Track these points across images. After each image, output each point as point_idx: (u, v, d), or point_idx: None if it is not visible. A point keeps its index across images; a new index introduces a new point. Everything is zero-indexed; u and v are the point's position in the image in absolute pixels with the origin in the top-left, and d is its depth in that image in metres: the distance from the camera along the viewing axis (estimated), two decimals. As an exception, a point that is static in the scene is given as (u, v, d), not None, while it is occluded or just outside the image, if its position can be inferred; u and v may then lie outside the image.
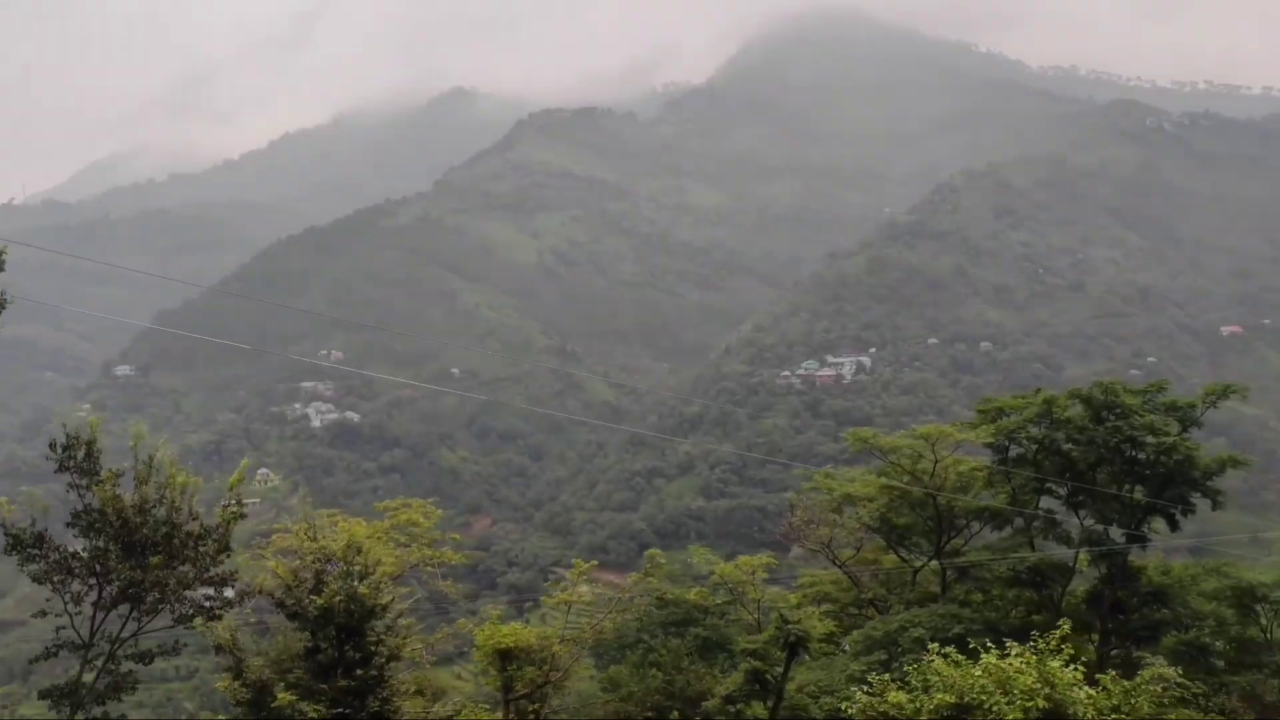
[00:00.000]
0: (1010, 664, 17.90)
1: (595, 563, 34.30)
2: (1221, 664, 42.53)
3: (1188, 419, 39.26)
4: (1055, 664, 17.99)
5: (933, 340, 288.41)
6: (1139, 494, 38.55)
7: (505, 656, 31.96)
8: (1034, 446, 40.51)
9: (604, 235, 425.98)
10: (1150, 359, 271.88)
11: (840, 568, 42.93)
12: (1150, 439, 37.56)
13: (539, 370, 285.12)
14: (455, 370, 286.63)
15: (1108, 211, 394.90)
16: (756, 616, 36.55)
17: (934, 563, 42.59)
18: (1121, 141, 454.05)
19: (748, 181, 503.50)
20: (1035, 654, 18.28)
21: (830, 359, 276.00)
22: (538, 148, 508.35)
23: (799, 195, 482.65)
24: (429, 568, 33.42)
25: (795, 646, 32.31)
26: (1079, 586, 42.09)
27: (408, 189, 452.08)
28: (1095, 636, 39.94)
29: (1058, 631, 18.63)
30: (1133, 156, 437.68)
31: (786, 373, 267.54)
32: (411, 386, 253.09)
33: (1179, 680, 36.21)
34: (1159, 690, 19.67)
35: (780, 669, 32.22)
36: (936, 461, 40.41)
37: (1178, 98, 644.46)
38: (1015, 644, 18.60)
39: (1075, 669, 17.99)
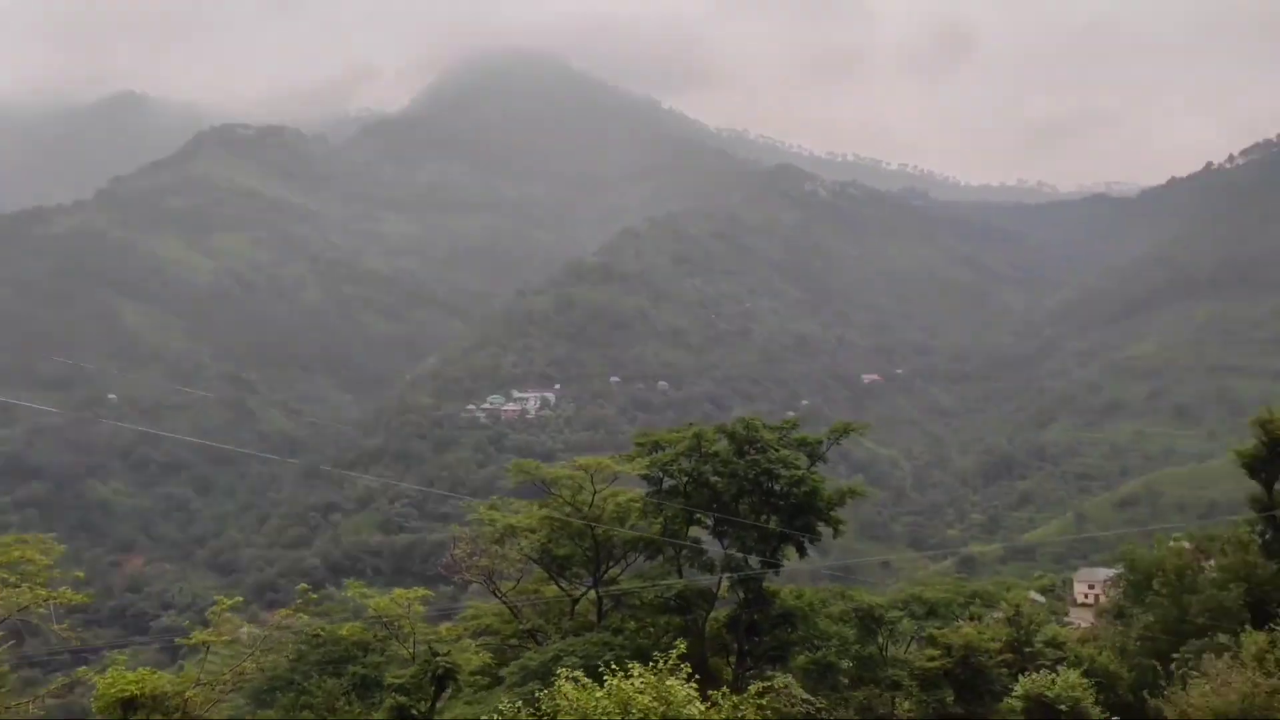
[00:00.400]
0: (631, 685, 18.83)
1: (240, 599, 32.25)
2: (845, 681, 47.05)
3: (815, 454, 43.47)
4: (673, 683, 19.13)
5: (615, 378, 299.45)
6: (774, 523, 42.04)
7: (129, 706, 29.18)
8: (685, 479, 43.05)
9: (288, 259, 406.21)
10: (805, 402, 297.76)
11: (501, 599, 43.29)
12: (784, 472, 41.23)
13: (209, 398, 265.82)
14: (112, 395, 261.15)
15: (771, 265, 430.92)
16: (412, 651, 35.99)
17: (592, 592, 43.97)
18: (784, 203, 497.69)
19: (440, 213, 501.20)
20: (656, 674, 19.34)
21: (516, 394, 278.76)
22: (218, 163, 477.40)
23: (490, 231, 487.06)
24: (42, 609, 29.98)
25: (444, 680, 32.08)
26: (723, 612, 45.04)
27: (65, 196, 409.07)
28: (733, 658, 42.88)
29: (674, 652, 19.80)
30: (793, 217, 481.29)
31: (472, 406, 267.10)
32: (58, 413, 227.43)
33: (805, 698, 39.66)
34: (765, 703, 21.39)
35: (428, 704, 31.87)
36: (596, 492, 41.90)
37: (830, 167, 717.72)
38: (638, 665, 19.57)
39: (690, 686, 19.22)
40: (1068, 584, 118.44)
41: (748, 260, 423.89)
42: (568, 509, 42.17)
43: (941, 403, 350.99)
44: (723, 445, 42.98)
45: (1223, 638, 36.90)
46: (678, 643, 20.47)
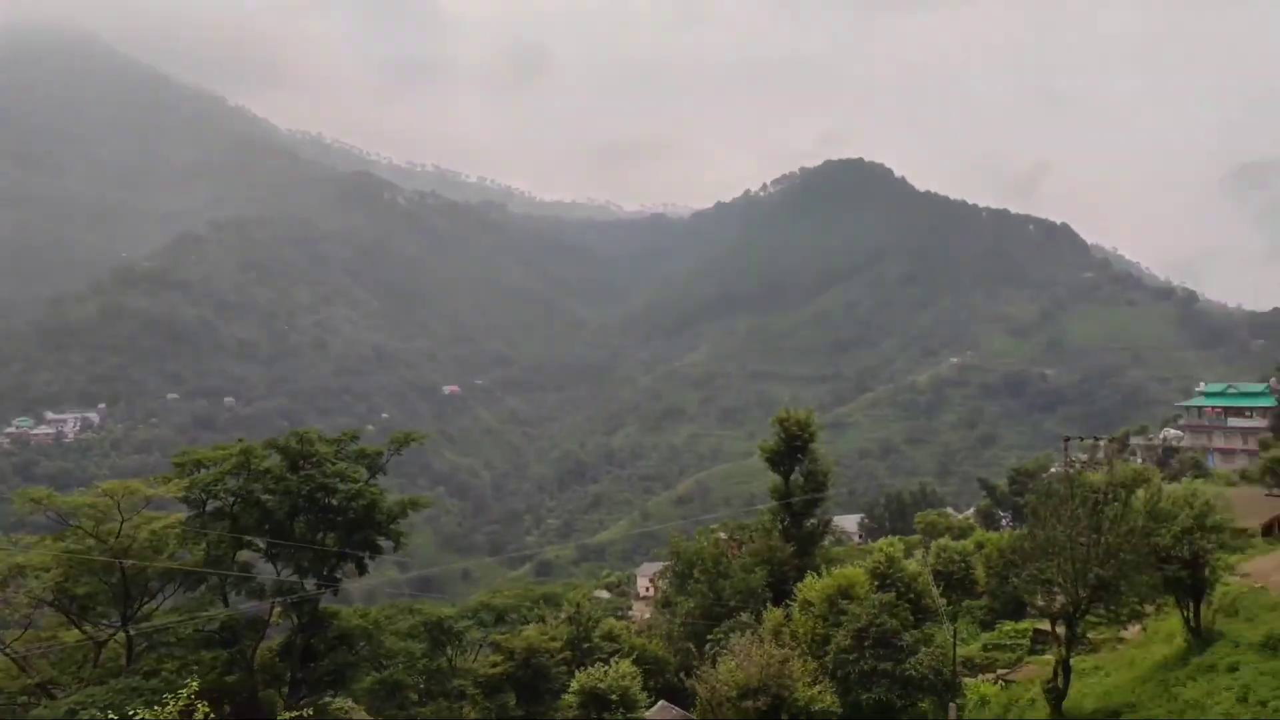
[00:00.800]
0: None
1: None
2: (414, 697, 46.04)
3: (375, 466, 42.09)
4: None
5: (173, 395, 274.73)
6: (332, 541, 40.00)
7: None
8: (232, 499, 39.70)
9: None
10: (384, 415, 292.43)
11: (3, 650, 36.96)
12: (341, 485, 39.41)
13: None
14: None
15: (349, 274, 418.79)
16: None
17: (121, 633, 39.03)
18: (361, 210, 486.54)
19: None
20: (163, 720, 17.18)
21: (50, 415, 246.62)
22: None
23: (15, 228, 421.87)
24: None
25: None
26: (277, 639, 42.11)
27: None
28: (285, 689, 40.17)
29: (185, 690, 17.75)
30: (371, 225, 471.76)
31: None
32: None
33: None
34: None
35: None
36: (125, 520, 37.27)
37: (410, 176, 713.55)
38: (143, 711, 17.27)
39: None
40: (632, 579, 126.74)
41: (323, 269, 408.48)
42: (90, 541, 37.07)
43: (520, 412, 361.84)
44: (275, 461, 40.27)
45: (749, 616, 40.91)
46: (190, 682, 18.36)
